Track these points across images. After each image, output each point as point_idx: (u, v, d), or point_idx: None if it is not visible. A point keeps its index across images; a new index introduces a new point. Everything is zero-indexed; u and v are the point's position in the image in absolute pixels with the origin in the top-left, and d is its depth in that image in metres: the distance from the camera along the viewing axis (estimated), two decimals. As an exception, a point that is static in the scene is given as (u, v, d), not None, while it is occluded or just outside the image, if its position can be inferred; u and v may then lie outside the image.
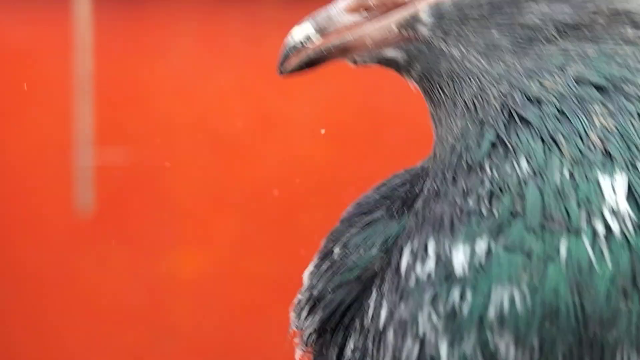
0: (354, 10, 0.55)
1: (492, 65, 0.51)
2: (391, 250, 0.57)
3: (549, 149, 0.52)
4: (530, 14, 0.52)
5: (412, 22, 0.54)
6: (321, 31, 0.55)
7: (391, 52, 0.55)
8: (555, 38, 0.51)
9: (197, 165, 2.32)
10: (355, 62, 0.56)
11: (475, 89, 0.52)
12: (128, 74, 2.42)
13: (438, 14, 0.53)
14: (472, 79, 0.52)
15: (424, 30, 0.54)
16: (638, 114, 0.53)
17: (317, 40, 0.55)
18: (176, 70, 2.42)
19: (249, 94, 2.32)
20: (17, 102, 2.41)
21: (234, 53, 2.39)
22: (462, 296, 0.51)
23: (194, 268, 2.35)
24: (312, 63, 0.56)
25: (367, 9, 0.55)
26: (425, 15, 0.54)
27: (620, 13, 0.53)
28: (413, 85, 0.57)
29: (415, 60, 0.54)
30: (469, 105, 0.53)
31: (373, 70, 0.61)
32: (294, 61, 0.55)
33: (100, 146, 2.35)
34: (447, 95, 0.53)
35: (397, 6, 0.54)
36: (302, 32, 0.56)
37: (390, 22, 0.54)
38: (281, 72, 0.57)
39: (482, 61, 0.52)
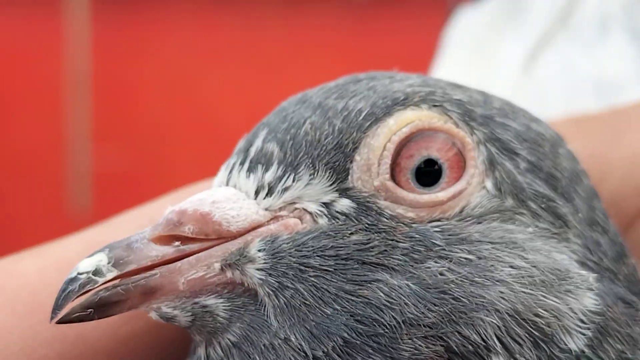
0: (163, 239, 0.41)
1: None
2: None
3: None
4: (377, 288, 0.40)
5: (240, 260, 0.41)
6: (117, 263, 0.39)
7: (211, 300, 0.41)
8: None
9: (196, 164, 2.21)
10: (162, 316, 0.41)
11: None
12: (126, 73, 2.36)
13: (273, 250, 0.41)
14: None
15: (253, 273, 0.41)
16: None
17: (110, 274, 0.39)
18: (175, 69, 2.35)
19: (248, 93, 2.25)
20: (13, 102, 2.36)
21: (233, 52, 2.33)
22: None
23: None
24: (102, 307, 0.40)
25: (182, 239, 0.41)
26: (256, 251, 0.41)
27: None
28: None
29: (237, 319, 0.41)
30: None
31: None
32: (78, 302, 0.40)
33: (97, 146, 2.30)
34: None
35: (221, 238, 0.41)
36: (90, 262, 0.40)
37: (212, 257, 0.41)
38: (57, 321, 0.40)
39: (298, 357, 0.40)
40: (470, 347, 0.40)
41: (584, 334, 0.41)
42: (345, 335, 0.40)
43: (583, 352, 0.41)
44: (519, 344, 0.40)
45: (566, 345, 0.41)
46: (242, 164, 0.43)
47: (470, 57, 0.98)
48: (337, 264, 0.41)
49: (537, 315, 0.41)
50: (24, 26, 2.35)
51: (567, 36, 0.90)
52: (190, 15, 2.36)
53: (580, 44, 0.89)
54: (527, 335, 0.40)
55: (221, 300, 0.41)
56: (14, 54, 2.36)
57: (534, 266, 0.41)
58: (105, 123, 2.34)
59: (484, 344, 0.40)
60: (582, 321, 0.41)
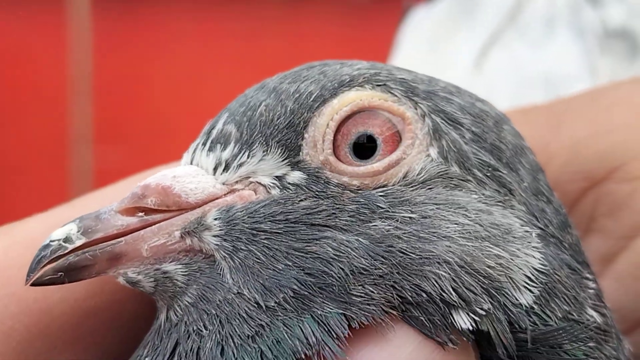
0: (128, 211, 0.45)
1: (261, 313, 0.43)
2: None
3: None
4: (326, 244, 0.43)
5: (197, 228, 0.44)
6: (86, 232, 0.44)
7: (171, 266, 0.44)
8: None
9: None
10: (128, 280, 0.45)
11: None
12: (127, 73, 2.36)
13: (227, 218, 0.44)
14: (230, 324, 0.43)
15: (210, 239, 0.44)
16: None
17: (79, 241, 0.44)
18: (176, 70, 2.36)
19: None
20: (15, 102, 2.36)
21: (235, 53, 2.33)
22: None
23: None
24: (72, 272, 0.44)
25: (145, 211, 0.45)
26: (212, 220, 0.44)
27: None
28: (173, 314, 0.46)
29: (194, 281, 0.44)
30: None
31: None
32: (49, 267, 0.44)
33: (99, 146, 2.32)
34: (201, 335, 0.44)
35: (181, 209, 0.45)
36: (62, 231, 0.44)
37: (173, 226, 0.45)
38: (31, 283, 0.44)
39: (252, 307, 0.43)
40: (424, 295, 0.42)
41: (531, 292, 0.44)
42: (295, 287, 0.43)
43: (532, 308, 0.44)
44: (474, 293, 0.43)
45: (517, 300, 0.43)
46: (204, 144, 0.47)
47: (423, 56, 1.00)
48: (286, 226, 0.44)
49: (486, 265, 0.43)
50: (28, 28, 2.35)
51: (516, 34, 0.93)
52: (192, 16, 2.37)
53: (528, 41, 0.92)
54: (480, 285, 0.43)
55: (179, 266, 0.45)
56: (17, 55, 2.36)
57: (477, 223, 0.44)
58: (106, 123, 2.34)
59: (440, 296, 0.42)
60: (530, 278, 0.44)
